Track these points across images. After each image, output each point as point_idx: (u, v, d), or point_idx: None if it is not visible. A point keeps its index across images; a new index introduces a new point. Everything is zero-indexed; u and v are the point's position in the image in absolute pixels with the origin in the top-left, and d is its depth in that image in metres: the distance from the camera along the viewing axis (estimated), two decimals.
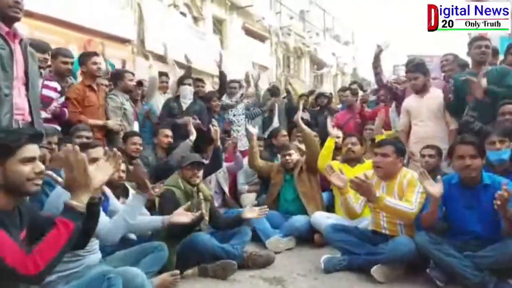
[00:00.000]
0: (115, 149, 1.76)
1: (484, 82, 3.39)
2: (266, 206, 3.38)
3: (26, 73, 2.65)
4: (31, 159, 1.54)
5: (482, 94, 3.39)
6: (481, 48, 3.68)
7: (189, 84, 5.02)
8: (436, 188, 2.62)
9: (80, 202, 1.54)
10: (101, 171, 1.67)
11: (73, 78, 4.37)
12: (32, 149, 1.55)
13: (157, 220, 2.70)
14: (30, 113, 2.69)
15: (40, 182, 1.56)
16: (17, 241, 1.50)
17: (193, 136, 4.30)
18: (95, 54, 4.21)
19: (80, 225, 1.53)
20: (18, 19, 2.59)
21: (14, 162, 1.50)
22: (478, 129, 3.33)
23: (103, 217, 2.18)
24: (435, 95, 4.02)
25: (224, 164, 4.57)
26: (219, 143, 4.11)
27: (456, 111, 3.80)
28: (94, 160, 2.29)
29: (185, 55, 5.98)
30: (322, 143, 5.01)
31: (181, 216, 2.69)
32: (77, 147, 1.58)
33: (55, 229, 1.46)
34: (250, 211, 3.31)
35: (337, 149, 4.49)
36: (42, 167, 1.57)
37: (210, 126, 4.20)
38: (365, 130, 5.03)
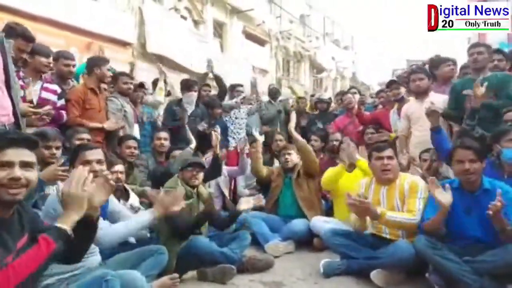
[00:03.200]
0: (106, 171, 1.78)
1: (482, 90, 3.38)
2: (262, 197, 3.38)
3: (5, 69, 2.54)
4: (8, 164, 1.44)
5: (478, 103, 3.41)
6: (473, 56, 3.72)
7: (195, 91, 5.04)
8: (447, 197, 2.58)
9: (69, 223, 1.48)
10: (101, 190, 1.67)
11: (75, 80, 4.37)
12: (11, 154, 1.45)
13: (145, 214, 2.56)
14: (14, 112, 2.58)
15: (15, 191, 1.44)
16: (11, 249, 1.45)
17: (193, 144, 4.32)
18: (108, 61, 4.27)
19: (62, 246, 1.46)
20: None
21: None
22: (479, 135, 3.32)
23: (100, 221, 2.16)
24: (435, 100, 4.02)
25: (225, 168, 4.57)
26: (218, 150, 4.10)
27: (455, 118, 3.80)
28: (88, 162, 2.28)
29: (208, 60, 6.10)
30: (322, 148, 5.03)
31: (172, 205, 2.51)
32: (83, 167, 1.57)
33: (36, 247, 1.40)
34: (245, 202, 3.30)
35: (336, 152, 4.50)
36: (19, 174, 1.45)
37: (212, 132, 4.20)
38: (366, 134, 5.02)
